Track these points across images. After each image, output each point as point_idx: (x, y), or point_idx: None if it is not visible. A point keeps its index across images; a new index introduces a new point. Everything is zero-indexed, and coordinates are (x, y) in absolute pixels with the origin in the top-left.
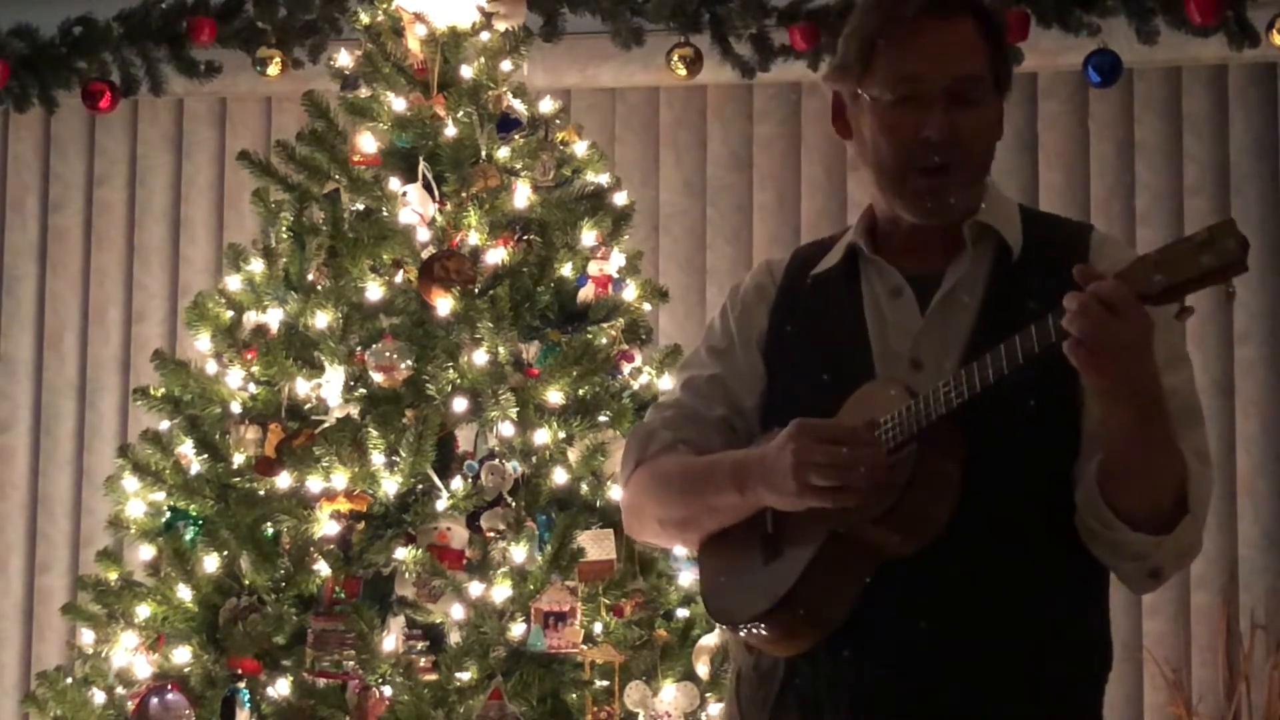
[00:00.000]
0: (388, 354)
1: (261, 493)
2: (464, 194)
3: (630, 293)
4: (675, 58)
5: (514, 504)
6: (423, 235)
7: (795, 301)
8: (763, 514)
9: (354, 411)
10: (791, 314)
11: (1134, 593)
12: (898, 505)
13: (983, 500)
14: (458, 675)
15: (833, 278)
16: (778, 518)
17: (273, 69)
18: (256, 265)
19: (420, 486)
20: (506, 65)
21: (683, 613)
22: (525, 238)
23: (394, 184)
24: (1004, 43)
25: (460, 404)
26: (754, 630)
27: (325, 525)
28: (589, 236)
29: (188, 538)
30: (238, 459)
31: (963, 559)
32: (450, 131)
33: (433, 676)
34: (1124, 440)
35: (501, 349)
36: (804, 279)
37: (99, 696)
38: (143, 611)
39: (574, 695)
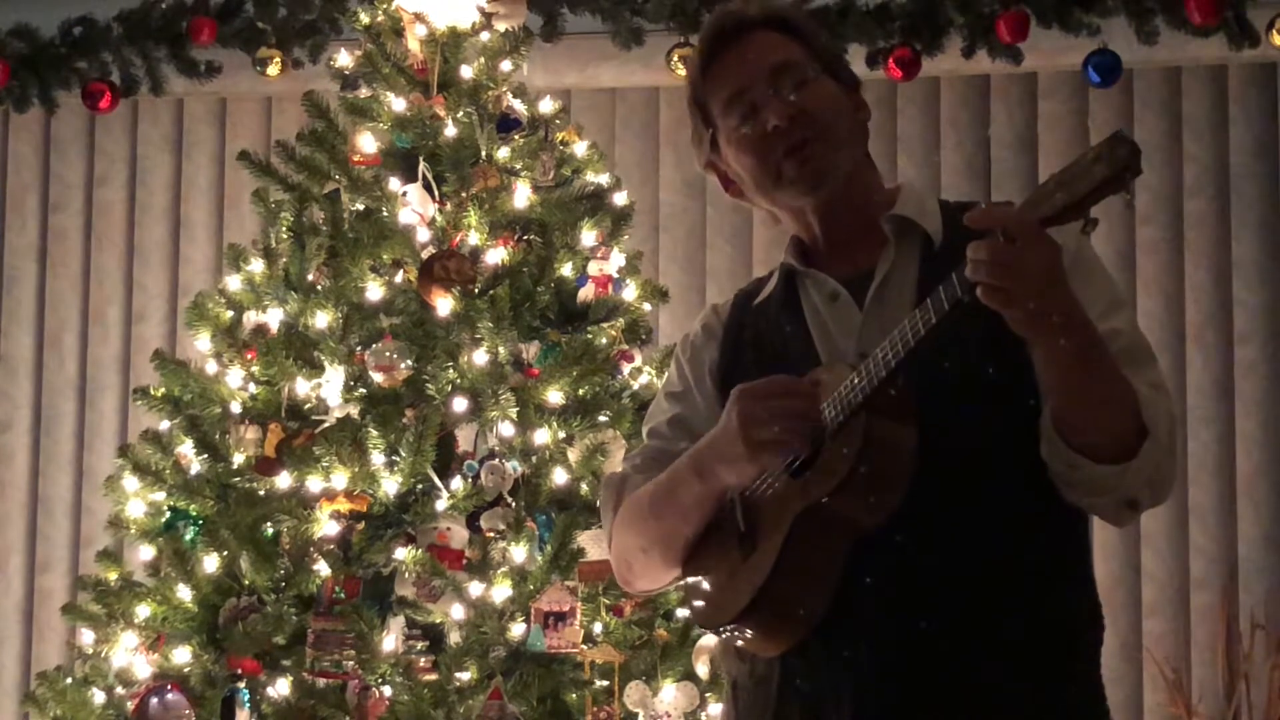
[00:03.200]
0: (388, 354)
1: (261, 493)
2: (464, 194)
3: (630, 293)
4: (675, 58)
5: (514, 504)
6: (423, 235)
7: (742, 330)
8: (734, 520)
9: (354, 411)
10: (740, 341)
11: (1115, 525)
12: (852, 473)
13: (948, 465)
14: (458, 675)
15: (774, 300)
16: (749, 515)
17: (273, 69)
18: (256, 265)
19: (420, 486)
20: (506, 65)
21: (683, 613)
22: (525, 238)
23: (394, 184)
24: (815, 36)
25: (460, 404)
26: (739, 629)
27: (325, 525)
28: (589, 236)
29: (188, 538)
30: (238, 459)
31: (937, 531)
32: (450, 131)
33: (433, 676)
34: (1065, 374)
35: (501, 349)
36: (748, 310)
37: (99, 696)
38: (143, 611)
39: (574, 695)
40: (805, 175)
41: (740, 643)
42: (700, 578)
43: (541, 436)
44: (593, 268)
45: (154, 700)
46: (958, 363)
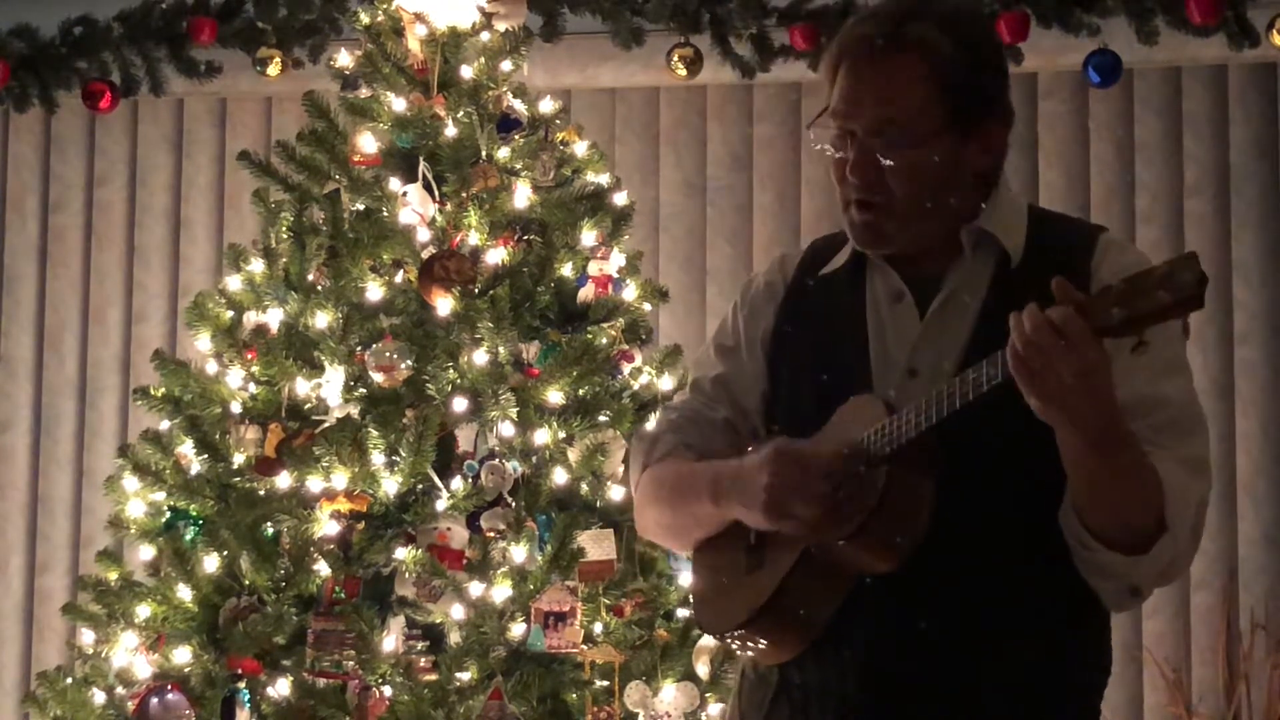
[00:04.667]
0: (388, 354)
1: (261, 493)
2: (464, 194)
3: (630, 293)
4: (675, 58)
5: (514, 504)
6: (423, 235)
7: (801, 302)
8: (747, 525)
9: (354, 411)
10: (796, 314)
11: (1114, 610)
12: (866, 525)
13: (963, 514)
14: (458, 675)
15: (839, 279)
16: (760, 530)
17: (273, 69)
18: (256, 265)
19: (420, 486)
20: (506, 65)
21: (683, 613)
22: (525, 238)
23: (394, 184)
24: (963, 77)
25: (460, 404)
26: (735, 639)
27: (325, 525)
28: (589, 236)
29: (188, 538)
30: (238, 459)
31: (944, 570)
32: (450, 131)
33: (433, 676)
34: (1080, 465)
35: (501, 349)
36: (814, 278)
37: (99, 696)
38: (143, 611)
39: (574, 695)
40: (858, 232)
41: (736, 651)
42: (704, 577)
43: (541, 436)
44: (593, 268)
45: (154, 700)
46: (991, 416)
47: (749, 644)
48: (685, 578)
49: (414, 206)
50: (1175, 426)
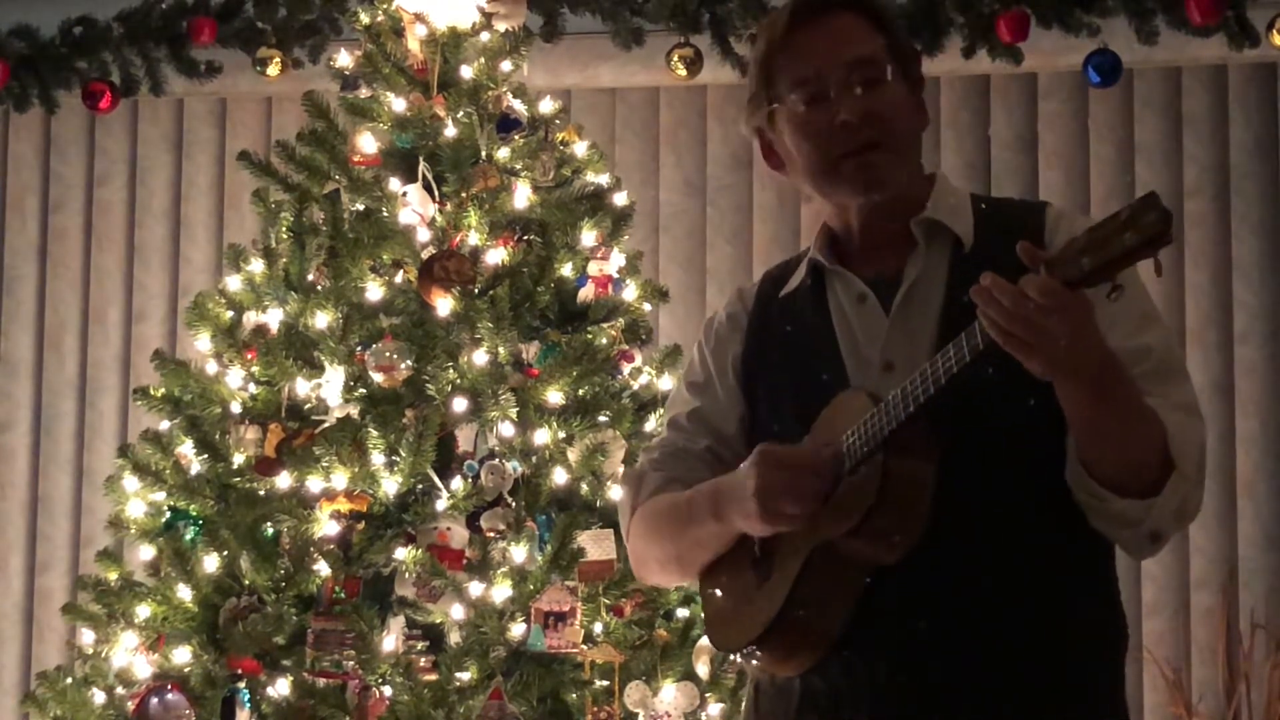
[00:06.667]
0: (388, 354)
1: (261, 493)
2: (464, 194)
3: (630, 293)
4: (675, 58)
5: (514, 504)
6: (423, 235)
7: (767, 324)
8: (751, 540)
9: (354, 411)
10: (764, 336)
11: (1135, 558)
12: (868, 517)
13: (967, 492)
14: (458, 675)
15: (800, 294)
16: (765, 542)
17: (273, 69)
18: (256, 265)
19: (420, 486)
20: (506, 65)
21: (683, 613)
22: (525, 238)
23: (394, 184)
24: (896, 32)
25: (460, 404)
26: (754, 654)
27: (325, 525)
28: (589, 236)
29: (188, 538)
30: (238, 459)
31: (957, 551)
32: (450, 131)
33: (433, 676)
34: (1084, 413)
35: (501, 349)
36: (774, 300)
37: (99, 696)
38: (143, 611)
39: (574, 695)
40: (862, 179)
41: (755, 665)
42: (714, 599)
43: (541, 436)
44: (593, 268)
45: (154, 700)
46: (980, 393)
47: (764, 657)
48: None
49: (414, 206)
50: (1162, 373)
